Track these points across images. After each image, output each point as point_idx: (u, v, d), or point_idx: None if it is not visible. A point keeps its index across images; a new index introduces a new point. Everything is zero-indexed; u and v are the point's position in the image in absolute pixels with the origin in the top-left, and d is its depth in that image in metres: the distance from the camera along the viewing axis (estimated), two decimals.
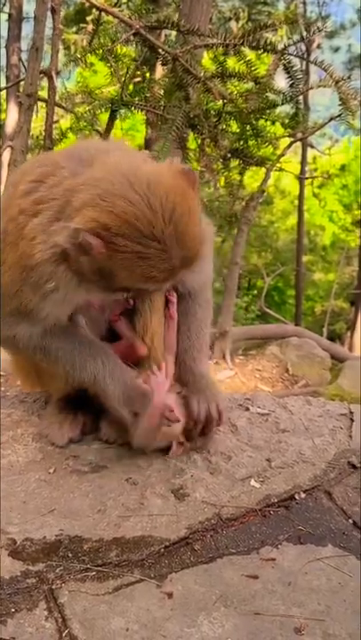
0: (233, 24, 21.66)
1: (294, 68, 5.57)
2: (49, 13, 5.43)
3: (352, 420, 2.69)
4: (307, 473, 2.38)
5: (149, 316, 2.46)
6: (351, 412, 2.75)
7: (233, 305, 6.31)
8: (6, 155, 6.91)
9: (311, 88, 5.44)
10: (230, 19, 21.66)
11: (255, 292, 24.18)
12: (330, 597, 1.90)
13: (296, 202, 22.87)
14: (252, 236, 25.38)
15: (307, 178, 18.01)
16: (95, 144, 2.65)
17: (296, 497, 2.28)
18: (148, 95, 5.91)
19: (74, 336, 2.34)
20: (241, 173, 5.64)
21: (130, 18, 5.51)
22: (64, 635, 1.70)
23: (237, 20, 21.76)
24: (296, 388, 5.40)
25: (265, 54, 5.58)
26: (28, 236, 2.08)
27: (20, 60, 14.26)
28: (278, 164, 5.93)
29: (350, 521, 2.20)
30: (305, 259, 24.57)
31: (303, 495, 2.29)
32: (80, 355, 2.30)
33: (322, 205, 25.61)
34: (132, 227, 1.89)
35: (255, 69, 5.52)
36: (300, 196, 21.28)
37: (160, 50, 5.44)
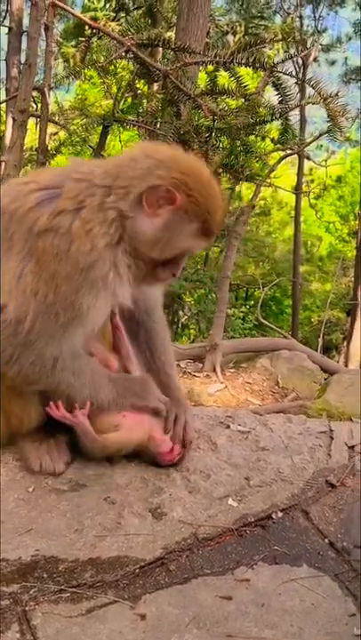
0: (230, 38, 21.76)
1: (283, 85, 5.62)
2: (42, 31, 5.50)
3: (332, 439, 2.70)
4: (285, 492, 2.39)
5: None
6: (331, 430, 2.75)
7: (224, 318, 6.32)
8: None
9: (299, 105, 5.50)
10: (227, 32, 21.76)
11: (252, 302, 24.20)
12: (303, 619, 1.90)
13: (293, 213, 22.92)
14: (250, 247, 25.44)
15: (301, 192, 18.08)
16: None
17: (273, 516, 2.29)
18: (140, 111, 5.97)
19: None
20: (232, 188, 5.67)
21: (123, 35, 5.57)
22: None
23: (234, 34, 21.87)
24: (286, 402, 5.41)
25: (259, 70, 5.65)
26: (80, 233, 2.10)
27: (19, 72, 14.35)
28: (269, 180, 5.96)
29: (326, 540, 2.21)
30: (302, 269, 24.61)
31: (280, 514, 2.30)
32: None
33: (319, 216, 25.65)
34: (202, 184, 2.17)
35: (245, 86, 5.58)
36: (297, 208, 21.35)
37: (151, 67, 5.50)
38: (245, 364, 6.25)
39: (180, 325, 20.31)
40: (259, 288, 19.90)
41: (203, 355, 6.00)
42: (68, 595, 1.91)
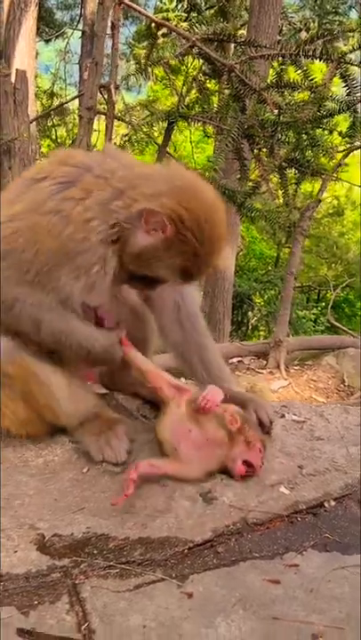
0: (303, 35, 21.49)
1: (351, 77, 5.54)
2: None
3: None
4: (338, 481, 2.37)
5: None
6: None
7: (288, 315, 6.29)
8: None
9: None
10: (300, 29, 21.52)
11: (324, 304, 23.85)
12: (352, 606, 1.87)
13: None
14: (323, 248, 25.08)
15: None
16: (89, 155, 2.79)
17: (326, 505, 2.27)
18: (205, 107, 6.00)
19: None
20: (297, 183, 5.62)
21: (188, 31, 5.61)
22: (83, 628, 1.75)
23: (307, 30, 21.61)
24: (351, 400, 5.32)
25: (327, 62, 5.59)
26: (79, 220, 2.21)
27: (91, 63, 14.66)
28: (336, 174, 5.88)
29: None
30: None
31: (333, 503, 2.28)
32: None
33: None
34: (198, 225, 2.21)
35: (312, 78, 5.52)
36: None
37: (216, 61, 5.52)
38: (311, 361, 6.19)
39: (249, 327, 20.22)
40: (330, 290, 19.65)
41: (267, 351, 5.98)
42: (117, 571, 1.95)
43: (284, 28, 21.14)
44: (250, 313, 19.92)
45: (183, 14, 21.43)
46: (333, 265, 26.35)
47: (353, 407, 2.84)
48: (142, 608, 1.82)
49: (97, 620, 1.77)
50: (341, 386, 5.75)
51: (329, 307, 15.12)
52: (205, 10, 20.58)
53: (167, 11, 21.25)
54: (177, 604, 1.85)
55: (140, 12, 6.24)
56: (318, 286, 24.62)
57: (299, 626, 1.79)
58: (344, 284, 19.01)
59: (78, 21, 19.83)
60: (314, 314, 21.76)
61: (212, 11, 20.21)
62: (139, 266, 2.29)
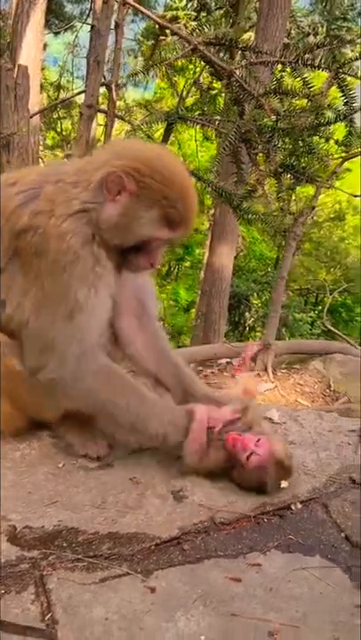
0: (311, 39, 21.57)
1: (349, 87, 5.58)
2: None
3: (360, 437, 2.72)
4: (306, 485, 2.43)
5: None
6: None
7: (277, 318, 6.34)
8: None
9: None
10: (309, 34, 21.56)
11: (321, 307, 23.90)
12: (308, 606, 1.94)
13: None
14: (322, 252, 25.14)
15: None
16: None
17: (292, 507, 2.33)
18: (205, 109, 6.05)
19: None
20: (292, 189, 5.68)
21: (191, 33, 5.65)
22: (46, 618, 1.80)
23: (316, 35, 21.67)
24: (337, 405, 5.38)
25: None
26: (54, 232, 2.23)
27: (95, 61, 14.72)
28: (330, 182, 5.94)
29: (342, 534, 2.23)
30: None
31: (300, 506, 2.34)
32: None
33: None
34: (157, 171, 2.22)
35: (311, 86, 5.56)
36: None
37: (216, 65, 5.56)
38: (298, 365, 6.25)
39: (246, 327, 20.29)
40: (329, 293, 19.71)
41: (255, 354, 6.04)
42: (85, 564, 2.01)
43: (292, 32, 21.21)
44: (247, 314, 19.97)
45: (193, 13, 21.48)
46: (332, 269, 26.41)
47: (327, 413, 2.91)
48: (106, 601, 1.88)
49: (60, 610, 1.83)
50: (327, 391, 5.81)
51: (325, 311, 15.17)
52: (215, 10, 20.62)
53: (177, 9, 21.31)
54: (140, 597, 1.90)
55: (143, 13, 6.28)
56: (316, 290, 24.69)
57: (256, 623, 1.85)
58: (341, 289, 19.07)
59: (88, 15, 19.87)
60: (311, 317, 21.83)
61: (222, 11, 20.27)
62: (124, 237, 2.28)
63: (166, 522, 2.20)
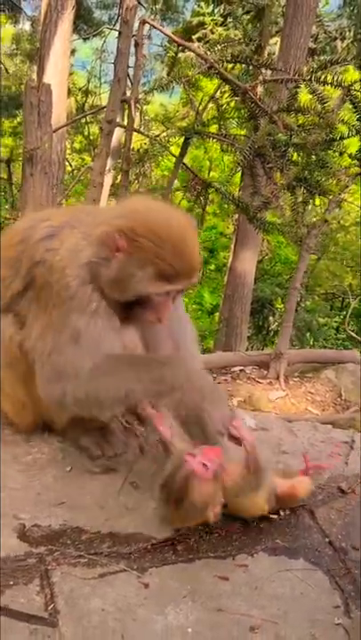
0: (338, 43, 21.58)
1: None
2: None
3: (352, 448, 2.87)
4: None
5: None
6: (353, 441, 2.93)
7: (290, 328, 6.48)
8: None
9: None
10: (336, 38, 21.56)
11: (345, 312, 23.81)
12: (290, 604, 2.11)
13: None
14: (348, 256, 25.06)
15: None
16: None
17: (281, 513, 2.49)
18: (222, 124, 6.23)
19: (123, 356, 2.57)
20: (305, 202, 5.84)
21: (206, 52, 5.85)
22: (49, 608, 2.00)
23: (343, 39, 21.66)
24: (346, 414, 5.52)
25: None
26: (58, 267, 2.42)
27: (127, 75, 14.99)
28: (343, 195, 6.09)
29: (326, 539, 2.40)
30: None
31: (288, 512, 2.51)
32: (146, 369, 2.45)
33: None
34: (151, 231, 2.30)
35: (325, 102, 5.72)
36: None
37: (232, 84, 5.75)
38: (311, 374, 6.39)
39: (270, 332, 20.31)
40: (354, 298, 19.65)
41: (268, 362, 6.19)
42: (86, 560, 2.20)
43: (320, 37, 21.21)
44: (271, 318, 19.96)
45: (219, 19, 21.58)
46: (358, 273, 26.30)
47: (322, 425, 3.07)
48: (104, 594, 2.07)
49: (62, 602, 2.03)
50: (338, 399, 5.94)
51: (347, 316, 15.17)
52: (242, 15, 20.68)
53: (203, 15, 21.45)
54: (135, 592, 2.10)
55: (161, 32, 6.47)
56: (342, 294, 24.61)
57: (239, 618, 2.04)
58: None
59: (116, 21, 20.14)
60: (336, 322, 21.75)
61: (249, 16, 20.34)
62: (122, 292, 2.37)
63: (162, 524, 2.39)
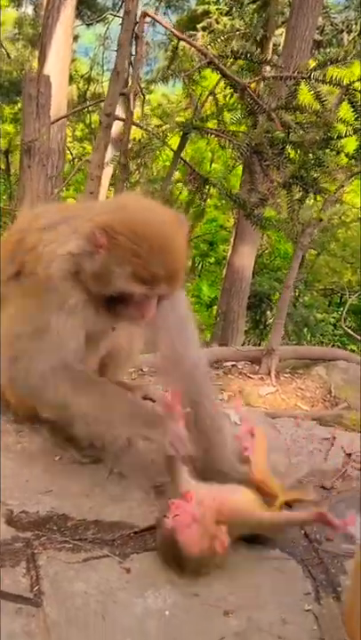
0: (345, 36, 21.48)
1: (359, 103, 5.79)
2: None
3: (332, 445, 2.98)
4: None
5: None
6: (334, 438, 3.03)
7: (282, 324, 6.56)
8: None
9: None
10: (342, 30, 21.47)
11: (343, 308, 23.85)
12: (263, 590, 2.22)
13: None
14: (349, 252, 25.09)
15: None
16: None
17: None
18: (219, 119, 6.30)
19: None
20: (301, 200, 5.92)
21: (206, 47, 5.91)
22: (34, 589, 2.10)
23: (349, 32, 21.56)
24: (335, 410, 5.61)
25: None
26: (45, 259, 2.48)
27: (130, 63, 14.96)
28: (339, 194, 6.17)
29: (302, 531, 2.51)
30: None
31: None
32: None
33: None
34: (130, 229, 2.30)
35: (323, 101, 5.78)
36: None
37: (231, 79, 5.81)
38: (302, 370, 6.48)
39: (266, 326, 20.38)
40: (352, 294, 19.68)
41: (259, 358, 6.29)
42: (71, 546, 2.30)
43: (326, 29, 21.12)
44: (268, 312, 20.02)
45: (225, 8, 21.47)
46: (359, 270, 26.34)
47: (305, 421, 3.17)
48: (87, 578, 2.18)
49: (47, 584, 2.13)
50: (328, 396, 6.04)
51: (343, 312, 15.27)
52: (247, 4, 20.58)
53: (208, 3, 21.35)
54: (116, 576, 2.20)
55: (161, 25, 6.51)
56: (341, 290, 24.67)
57: (214, 603, 2.14)
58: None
59: (120, 7, 20.02)
60: (334, 317, 21.80)
61: (255, 5, 20.24)
62: (103, 287, 2.39)
63: (146, 513, 2.50)
